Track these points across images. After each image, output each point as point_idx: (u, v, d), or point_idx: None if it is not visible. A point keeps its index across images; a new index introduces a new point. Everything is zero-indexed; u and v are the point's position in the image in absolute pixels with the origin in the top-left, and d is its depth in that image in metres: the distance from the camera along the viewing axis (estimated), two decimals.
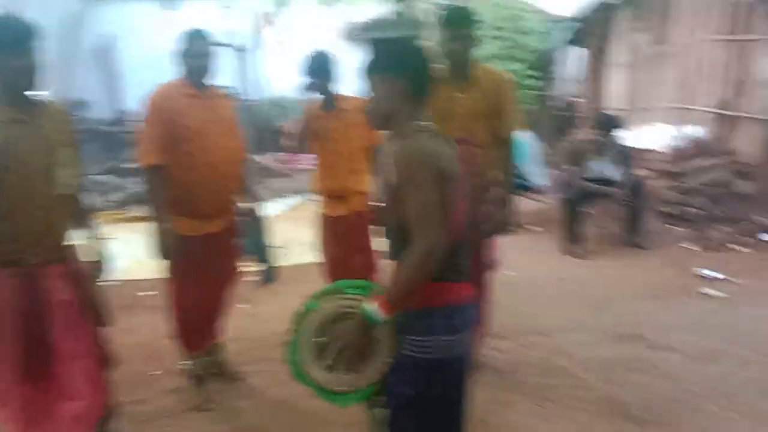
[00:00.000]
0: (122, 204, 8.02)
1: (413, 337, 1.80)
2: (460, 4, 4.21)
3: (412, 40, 1.95)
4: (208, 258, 3.17)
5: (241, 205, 3.36)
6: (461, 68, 3.16)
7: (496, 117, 3.21)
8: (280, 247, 5.65)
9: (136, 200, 8.25)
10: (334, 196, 3.64)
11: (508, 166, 3.37)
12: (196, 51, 3.10)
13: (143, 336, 4.07)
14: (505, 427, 2.97)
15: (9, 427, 2.30)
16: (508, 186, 3.34)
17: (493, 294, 3.43)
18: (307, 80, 3.51)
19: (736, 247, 5.60)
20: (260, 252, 3.52)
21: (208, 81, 3.19)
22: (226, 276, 3.36)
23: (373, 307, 1.74)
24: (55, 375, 2.34)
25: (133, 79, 10.74)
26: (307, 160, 10.15)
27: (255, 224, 3.45)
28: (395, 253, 1.84)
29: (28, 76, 2.24)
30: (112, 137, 10.08)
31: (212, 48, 3.20)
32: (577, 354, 3.69)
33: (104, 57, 10.74)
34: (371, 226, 3.67)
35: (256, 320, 4.25)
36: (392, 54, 1.89)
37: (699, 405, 3.10)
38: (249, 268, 4.32)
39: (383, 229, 1.97)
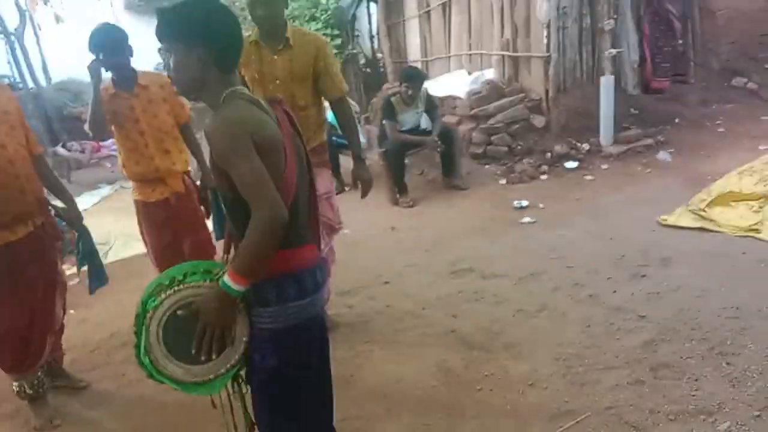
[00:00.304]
0: None
1: (266, 308, 1.77)
2: None
3: (213, 3, 1.79)
4: (16, 268, 2.80)
5: (52, 204, 3.03)
6: (274, 32, 3.12)
7: (316, 79, 3.22)
8: (101, 244, 5.29)
9: None
10: (147, 179, 3.39)
11: (352, 125, 3.43)
12: None
13: None
14: (366, 379, 3.08)
15: None
16: (356, 144, 3.43)
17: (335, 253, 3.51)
18: (95, 57, 3.15)
19: (540, 176, 6.21)
20: (85, 255, 3.21)
21: None
22: (43, 285, 2.92)
23: (227, 280, 1.66)
24: None
25: None
26: (112, 147, 9.50)
27: (71, 224, 3.13)
28: (238, 227, 1.77)
29: None
30: None
31: None
32: (418, 295, 3.91)
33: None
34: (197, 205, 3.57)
35: (88, 324, 3.97)
36: (195, 19, 1.71)
37: (529, 321, 3.45)
38: (71, 270, 4.00)
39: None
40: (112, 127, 3.34)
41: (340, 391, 2.11)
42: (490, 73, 7.51)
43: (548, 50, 6.65)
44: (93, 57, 3.16)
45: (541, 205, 5.39)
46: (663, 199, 5.02)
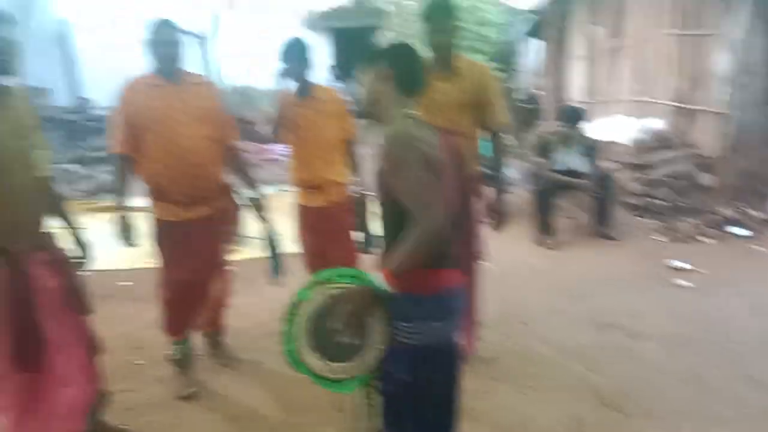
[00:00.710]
0: (91, 193, 7.83)
1: (405, 324, 1.85)
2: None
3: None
4: (190, 244, 3.15)
5: (241, 192, 3.38)
6: (444, 59, 3.19)
7: (479, 109, 3.25)
8: (256, 239, 5.62)
9: (105, 189, 8.10)
10: (309, 186, 3.60)
11: (503, 158, 3.44)
12: (163, 40, 3.05)
13: (125, 326, 4.02)
14: (491, 414, 3.02)
15: (3, 415, 2.25)
16: (501, 177, 3.41)
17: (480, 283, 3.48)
18: (283, 67, 3.44)
19: (701, 238, 5.79)
20: (267, 242, 3.49)
21: (178, 70, 3.14)
22: (210, 263, 3.30)
23: (378, 278, 1.80)
24: (47, 363, 2.31)
25: (89, 66, 10.47)
26: (278, 151, 10.13)
27: (257, 212, 3.41)
28: (389, 240, 1.89)
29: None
30: (74, 125, 9.80)
31: (179, 37, 3.15)
32: (556, 341, 3.77)
33: (59, 43, 10.42)
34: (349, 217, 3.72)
35: (236, 312, 4.20)
36: (392, 48, 1.98)
37: (675, 390, 3.21)
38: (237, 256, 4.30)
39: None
40: (286, 133, 3.58)
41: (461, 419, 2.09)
42: (657, 123, 7.16)
43: (726, 107, 6.22)
44: (281, 66, 3.42)
45: (701, 270, 5.00)
46: None
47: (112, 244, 5.54)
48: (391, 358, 1.89)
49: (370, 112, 1.99)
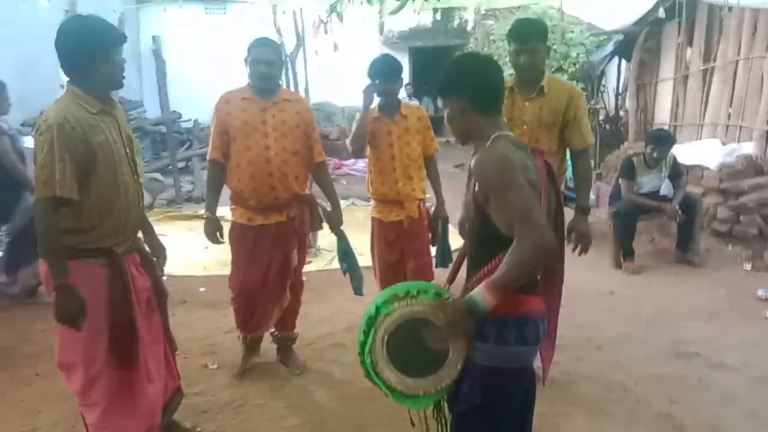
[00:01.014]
0: (173, 202, 8.20)
1: (484, 344, 1.83)
2: (527, 17, 4.23)
3: (477, 57, 1.99)
4: (263, 246, 3.36)
5: (321, 205, 3.59)
6: (532, 79, 3.18)
7: (563, 128, 3.23)
8: (328, 250, 5.73)
9: (187, 198, 8.46)
10: (388, 200, 3.66)
11: (586, 178, 3.38)
12: (262, 58, 3.28)
13: (199, 331, 4.16)
14: None
15: (93, 409, 2.38)
16: (584, 200, 3.35)
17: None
18: (372, 82, 3.52)
19: None
20: (341, 256, 3.66)
21: (272, 86, 3.35)
22: (277, 266, 3.42)
23: (479, 293, 1.74)
24: (139, 360, 2.43)
25: (179, 81, 11.00)
26: (352, 166, 10.32)
27: (331, 225, 3.59)
28: (477, 261, 1.88)
29: (119, 75, 2.37)
30: (161, 136, 10.31)
31: (275, 56, 3.37)
32: (633, 369, 3.64)
33: (152, 58, 11.03)
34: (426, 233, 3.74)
35: (306, 321, 4.29)
36: (460, 74, 1.92)
37: (757, 427, 3.04)
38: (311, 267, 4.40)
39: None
40: (369, 147, 3.64)
41: None
42: (748, 148, 6.82)
43: None
44: (370, 81, 3.52)
45: None
46: None
47: (189, 250, 5.82)
48: (467, 377, 1.88)
49: (465, 141, 1.97)
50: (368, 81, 3.51)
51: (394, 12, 3.42)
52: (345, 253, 3.66)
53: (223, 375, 3.60)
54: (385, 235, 3.69)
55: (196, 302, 4.72)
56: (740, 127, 7.14)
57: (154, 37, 9.59)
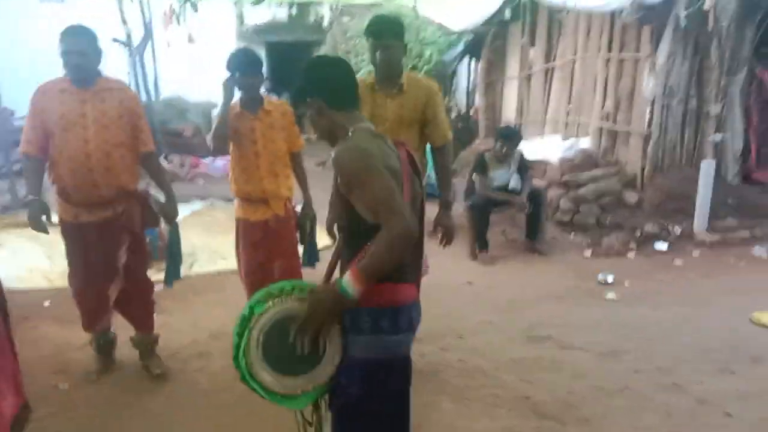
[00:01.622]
0: (8, 208, 7.42)
1: (359, 336, 1.84)
2: (383, 14, 4.29)
3: (326, 58, 2.03)
4: (92, 244, 3.25)
5: (153, 197, 3.50)
6: (390, 77, 3.23)
7: (423, 125, 3.32)
8: (187, 254, 5.48)
9: (25, 204, 7.69)
10: (253, 199, 3.55)
11: (448, 173, 3.49)
12: (73, 48, 3.09)
13: (46, 348, 3.83)
14: (433, 428, 3.04)
15: None
16: (447, 194, 3.48)
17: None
18: (231, 75, 3.40)
19: (627, 253, 6.04)
20: (170, 249, 3.65)
21: (90, 77, 3.18)
22: (106, 264, 3.31)
23: (347, 280, 1.74)
24: None
25: (12, 76, 10.01)
26: (211, 164, 9.93)
27: (166, 217, 3.53)
28: (349, 254, 1.88)
29: None
30: None
31: (92, 45, 3.18)
32: (492, 355, 3.84)
33: None
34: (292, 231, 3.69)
35: (168, 331, 4.07)
36: (312, 77, 1.95)
37: (607, 400, 3.32)
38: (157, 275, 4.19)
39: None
40: (232, 144, 3.53)
41: None
42: (585, 142, 7.44)
43: (649, 127, 6.55)
44: (229, 75, 3.39)
45: (626, 283, 5.23)
46: (756, 295, 4.77)
47: (31, 261, 5.31)
48: (344, 371, 1.86)
49: (332, 140, 1.96)
50: (227, 75, 3.39)
51: (256, 2, 3.30)
52: (172, 243, 3.65)
53: (76, 393, 3.33)
54: (251, 236, 3.57)
55: (40, 317, 4.31)
56: (578, 123, 7.77)
57: None
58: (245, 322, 1.85)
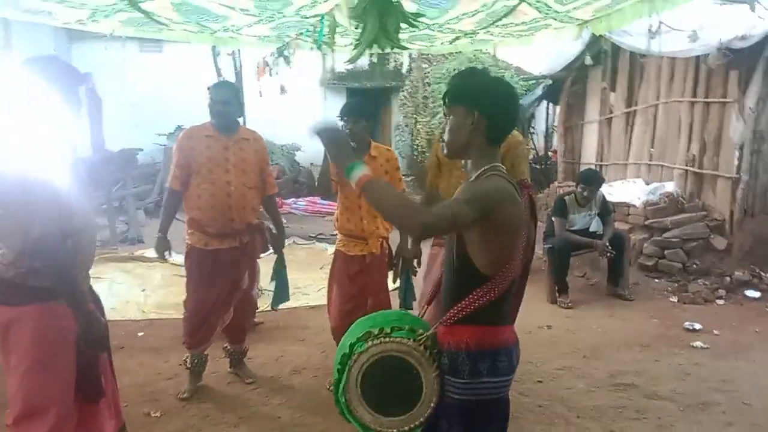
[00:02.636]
0: (107, 243, 7.91)
1: (459, 380, 1.83)
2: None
3: (504, 83, 1.97)
4: (217, 268, 3.66)
5: (269, 229, 3.95)
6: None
7: None
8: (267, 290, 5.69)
9: (123, 239, 8.19)
10: (352, 236, 3.77)
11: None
12: (217, 98, 3.59)
13: (139, 377, 4.03)
14: None
15: None
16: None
17: None
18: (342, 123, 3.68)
19: (716, 300, 5.80)
20: (276, 272, 4.12)
21: (229, 123, 3.66)
22: (230, 286, 3.74)
23: (358, 172, 1.81)
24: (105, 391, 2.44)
25: (114, 120, 10.77)
26: (290, 204, 10.28)
27: (274, 247, 4.02)
28: (449, 300, 1.89)
29: None
30: (96, 177, 9.97)
31: (232, 95, 3.67)
32: (574, 401, 3.76)
33: (86, 97, 10.79)
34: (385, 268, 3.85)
35: (250, 364, 4.22)
36: (485, 92, 1.87)
37: None
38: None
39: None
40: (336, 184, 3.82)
41: None
42: (670, 186, 7.25)
43: (738, 171, 6.33)
44: (337, 122, 3.65)
45: (715, 332, 5.01)
46: None
47: (128, 294, 5.64)
48: (443, 413, 1.87)
49: (454, 155, 1.95)
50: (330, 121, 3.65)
51: (351, 61, 3.53)
52: (279, 270, 4.11)
53: (167, 422, 3.49)
54: (349, 267, 3.78)
55: (134, 347, 4.56)
56: (662, 166, 7.60)
57: (86, 74, 9.39)
58: (345, 359, 1.91)
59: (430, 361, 1.86)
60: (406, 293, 3.89)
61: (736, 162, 6.35)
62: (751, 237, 6.29)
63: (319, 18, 3.73)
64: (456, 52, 10.94)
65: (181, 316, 5.05)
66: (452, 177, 3.57)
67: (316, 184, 4.04)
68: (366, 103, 3.78)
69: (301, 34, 4.27)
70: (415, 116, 13.79)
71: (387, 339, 1.89)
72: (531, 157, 11.40)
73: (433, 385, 1.86)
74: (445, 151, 1.96)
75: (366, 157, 3.66)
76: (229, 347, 4.07)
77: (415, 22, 2.63)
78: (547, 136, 12.21)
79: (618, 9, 3.67)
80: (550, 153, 11.86)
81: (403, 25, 2.67)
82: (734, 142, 6.35)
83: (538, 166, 11.42)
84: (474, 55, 10.80)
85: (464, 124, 1.86)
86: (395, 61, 15.51)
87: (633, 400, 3.79)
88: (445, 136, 1.93)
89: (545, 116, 12.25)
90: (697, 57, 6.59)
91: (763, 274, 6.03)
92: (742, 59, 6.16)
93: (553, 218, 6.12)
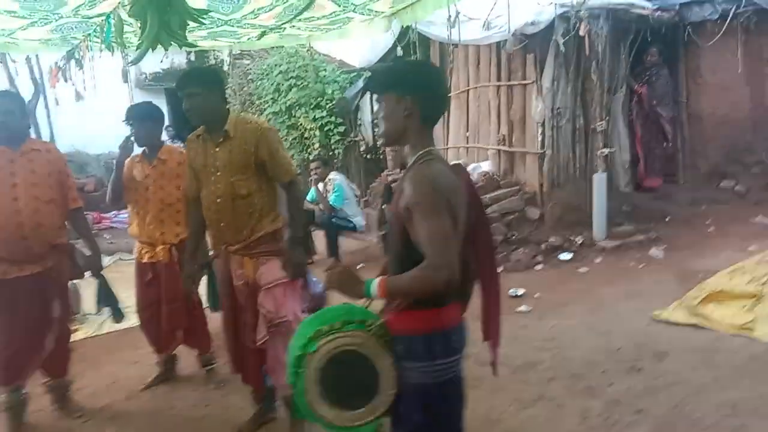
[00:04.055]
0: None
1: (416, 364, 1.85)
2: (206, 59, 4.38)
3: (430, 65, 1.98)
4: (16, 299, 3.33)
5: (79, 251, 3.65)
6: (206, 124, 3.10)
7: (261, 166, 3.08)
8: (95, 314, 5.29)
9: None
10: (142, 242, 3.80)
11: (297, 210, 3.25)
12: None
13: None
14: None
15: None
16: (295, 230, 3.21)
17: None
18: (133, 131, 3.66)
19: (534, 266, 6.31)
20: (103, 297, 3.84)
21: (13, 135, 3.34)
22: (37, 315, 3.42)
23: (375, 284, 1.80)
24: None
25: None
26: (111, 218, 9.58)
27: (91, 270, 3.70)
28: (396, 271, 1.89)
29: None
30: None
31: (14, 105, 3.41)
32: None
33: None
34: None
35: (80, 394, 3.89)
36: (414, 75, 1.92)
37: (528, 411, 3.45)
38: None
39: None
40: (129, 193, 3.80)
41: None
42: (486, 165, 7.75)
43: (542, 147, 6.92)
44: (132, 129, 3.66)
45: (536, 295, 5.45)
46: (656, 294, 5.09)
47: None
48: (404, 399, 1.87)
49: (392, 143, 1.97)
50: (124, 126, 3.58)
51: (134, 62, 3.34)
52: (102, 290, 3.82)
53: None
54: (142, 276, 3.80)
55: None
56: (477, 148, 8.10)
57: None
58: (298, 362, 1.88)
59: (383, 349, 1.86)
60: (213, 296, 3.80)
61: (539, 138, 6.92)
62: (559, 205, 6.91)
63: (105, 17, 3.49)
64: (277, 47, 10.82)
65: None
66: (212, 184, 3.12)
67: (107, 197, 3.87)
68: (151, 106, 3.74)
69: (89, 35, 3.99)
70: (242, 113, 13.47)
71: (338, 334, 1.87)
72: (362, 148, 11.62)
73: (389, 372, 1.86)
74: (382, 141, 1.99)
75: (155, 161, 3.68)
76: (49, 382, 3.68)
77: (200, 19, 2.52)
78: (375, 127, 12.48)
79: (419, 0, 3.83)
80: (378, 143, 12.14)
81: (199, 22, 2.56)
82: (536, 121, 6.92)
83: (369, 156, 11.65)
84: (295, 50, 10.74)
85: (397, 110, 1.88)
86: (215, 58, 15.04)
87: (468, 370, 3.95)
88: (381, 126, 1.94)
89: (370, 107, 12.52)
90: (498, 43, 7.08)
91: (572, 237, 6.64)
92: (535, 43, 6.71)
93: (383, 206, 6.29)
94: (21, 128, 3.44)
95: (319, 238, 7.25)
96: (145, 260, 3.77)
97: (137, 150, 3.78)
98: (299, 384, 1.88)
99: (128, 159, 3.77)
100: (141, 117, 3.63)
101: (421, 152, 1.88)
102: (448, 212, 1.77)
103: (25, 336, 3.39)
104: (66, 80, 4.99)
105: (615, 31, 6.87)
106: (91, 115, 9.63)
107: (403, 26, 5.79)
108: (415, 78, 1.91)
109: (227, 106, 3.15)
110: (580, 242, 6.58)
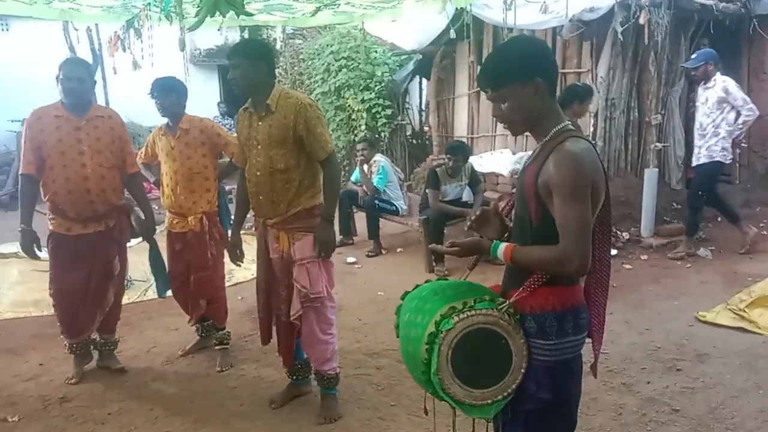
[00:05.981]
0: None
1: (548, 342, 1.84)
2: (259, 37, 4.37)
3: (532, 38, 1.93)
4: (82, 254, 3.55)
5: (135, 214, 3.79)
6: (250, 96, 3.11)
7: (299, 142, 3.06)
8: (141, 281, 5.44)
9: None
10: (173, 212, 3.85)
11: (332, 187, 3.19)
12: (71, 74, 3.43)
13: None
14: None
15: None
16: (329, 208, 3.18)
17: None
18: (159, 102, 3.78)
19: None
20: (152, 262, 3.93)
21: (83, 102, 3.51)
22: (98, 272, 3.63)
23: (502, 248, 1.85)
24: None
25: None
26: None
27: (143, 234, 3.85)
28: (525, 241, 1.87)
29: None
30: None
31: (85, 72, 3.55)
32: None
33: None
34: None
35: (122, 357, 4.02)
36: (527, 56, 1.84)
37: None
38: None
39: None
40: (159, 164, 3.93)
41: None
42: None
43: (594, 138, 6.77)
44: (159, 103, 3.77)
45: None
46: (701, 295, 4.97)
47: None
48: (531, 377, 1.86)
49: (529, 128, 1.88)
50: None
51: (192, 28, 3.31)
52: (155, 259, 3.91)
53: (26, 426, 3.25)
54: (173, 245, 3.88)
55: None
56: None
57: None
58: (432, 339, 1.84)
59: (516, 328, 1.85)
60: (164, 280, 3.97)
61: (591, 129, 6.77)
62: None
63: None
64: (329, 27, 10.84)
65: (41, 314, 4.78)
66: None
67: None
68: (174, 79, 3.84)
69: (149, 4, 4.07)
70: (287, 89, 13.54)
71: (473, 312, 1.84)
72: (408, 132, 11.59)
73: (521, 351, 1.85)
74: (515, 132, 1.95)
75: (178, 131, 3.76)
76: (98, 338, 3.89)
77: None
78: (422, 112, 12.42)
79: None
80: (425, 128, 12.09)
81: None
82: (590, 111, 6.76)
83: (414, 141, 11.61)
84: (347, 30, 10.74)
85: (525, 96, 1.82)
86: (268, 36, 15.17)
87: None
88: (510, 119, 1.88)
89: (418, 91, 12.45)
90: (554, 29, 6.94)
91: (619, 232, 6.50)
92: (592, 31, 6.55)
93: (426, 190, 6.27)
94: (89, 96, 3.62)
95: (360, 219, 7.28)
96: (176, 230, 3.83)
97: (161, 121, 3.92)
98: (434, 363, 1.83)
99: (150, 134, 4.01)
100: (165, 90, 3.74)
101: (559, 127, 1.82)
102: (589, 197, 1.73)
103: (89, 291, 3.60)
104: (124, 50, 5.09)
105: (676, 20, 6.66)
106: (145, 87, 9.86)
107: (457, 8, 5.73)
108: (531, 58, 1.84)
109: (274, 81, 3.14)
110: (626, 238, 6.45)
